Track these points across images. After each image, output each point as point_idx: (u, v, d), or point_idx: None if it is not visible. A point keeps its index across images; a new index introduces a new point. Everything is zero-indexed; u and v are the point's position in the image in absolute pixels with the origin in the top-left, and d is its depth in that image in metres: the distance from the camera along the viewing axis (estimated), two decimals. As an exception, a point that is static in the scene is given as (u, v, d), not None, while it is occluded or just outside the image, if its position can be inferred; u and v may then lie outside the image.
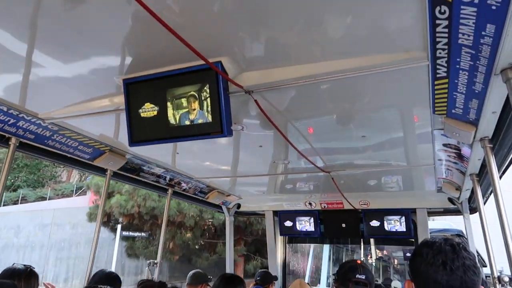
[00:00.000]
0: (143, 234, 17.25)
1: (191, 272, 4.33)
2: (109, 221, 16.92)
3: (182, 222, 16.09)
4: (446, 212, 4.65)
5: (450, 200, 4.29)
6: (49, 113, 2.51)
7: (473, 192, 3.39)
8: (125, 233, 17.22)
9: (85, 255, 20.84)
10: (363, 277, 2.33)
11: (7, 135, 2.55)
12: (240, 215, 6.01)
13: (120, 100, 2.12)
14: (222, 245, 16.91)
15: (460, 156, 2.75)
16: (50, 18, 1.56)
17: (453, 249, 1.36)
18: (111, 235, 18.17)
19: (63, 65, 1.94)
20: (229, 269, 5.42)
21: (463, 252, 1.36)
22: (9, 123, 2.46)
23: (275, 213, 5.43)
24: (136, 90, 2.00)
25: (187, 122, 1.92)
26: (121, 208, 15.78)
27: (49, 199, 26.47)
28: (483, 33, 1.28)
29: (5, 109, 2.35)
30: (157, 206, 15.68)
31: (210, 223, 17.41)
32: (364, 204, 4.78)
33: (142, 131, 2.05)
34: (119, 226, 17.14)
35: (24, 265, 2.69)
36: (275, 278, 4.88)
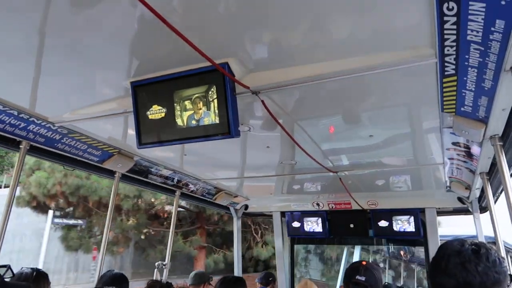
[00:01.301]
0: (79, 221, 14.37)
1: (193, 273, 4.54)
2: (44, 206, 13.83)
3: (120, 206, 13.16)
4: (455, 212, 4.60)
5: (460, 199, 4.25)
6: (59, 116, 2.54)
7: (483, 191, 3.36)
8: (57, 220, 14.31)
9: (31, 248, 18.54)
10: (363, 278, 2.33)
11: (18, 138, 2.58)
12: (248, 216, 6.01)
13: (128, 102, 2.13)
14: (174, 235, 15.17)
15: (469, 155, 2.73)
16: (59, 22, 1.57)
17: (475, 252, 1.36)
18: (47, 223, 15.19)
19: (72, 69, 1.96)
20: (237, 271, 5.42)
21: (483, 257, 1.35)
22: (19, 127, 2.49)
23: (283, 214, 5.42)
24: (144, 92, 2.02)
25: (194, 124, 1.93)
26: (42, 187, 12.53)
27: (4, 187, 23.70)
28: (492, 29, 1.27)
29: (15, 113, 2.38)
30: (83, 185, 12.59)
31: (155, 207, 14.64)
32: (372, 204, 4.75)
33: (150, 133, 2.06)
34: (50, 212, 13.96)
35: (31, 268, 2.73)
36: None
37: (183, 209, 15.89)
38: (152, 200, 14.22)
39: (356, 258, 10.69)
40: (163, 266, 4.02)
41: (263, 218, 6.05)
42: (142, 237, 15.17)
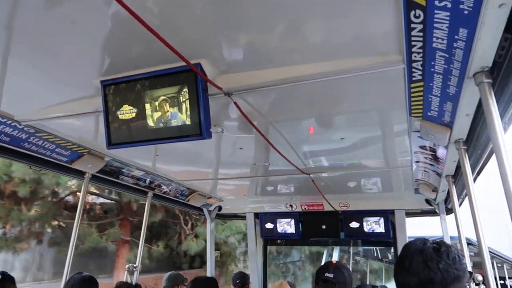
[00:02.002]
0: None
1: (166, 275, 4.48)
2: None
3: (15, 193, 10.68)
4: (423, 213, 4.75)
5: (427, 201, 4.39)
6: (26, 115, 2.45)
7: (449, 193, 3.48)
8: None
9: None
10: (331, 275, 2.43)
11: None
12: (222, 218, 6.00)
13: (98, 102, 2.08)
14: (86, 227, 12.66)
15: (436, 158, 2.82)
16: (27, 18, 1.52)
17: (436, 250, 1.42)
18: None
19: (40, 66, 1.90)
20: (210, 272, 5.40)
21: (444, 255, 1.40)
22: (-18, 125, 2.39)
23: (256, 215, 5.44)
24: (115, 92, 1.98)
25: (166, 124, 1.91)
26: None
27: None
28: (456, 37, 1.32)
29: None
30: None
31: (67, 195, 12.18)
32: (344, 206, 4.83)
33: (120, 134, 2.02)
34: None
35: None
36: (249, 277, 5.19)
37: (109, 200, 14.01)
38: (50, 182, 11.31)
39: (335, 259, 10.87)
40: (134, 268, 3.95)
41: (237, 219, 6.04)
42: (49, 230, 12.78)
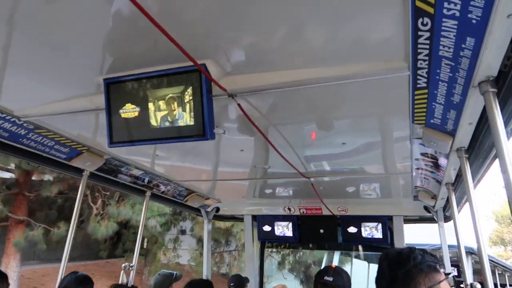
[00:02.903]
0: None
1: (152, 280, 4.22)
2: None
3: None
4: (421, 220, 4.74)
5: (426, 208, 4.38)
6: (25, 111, 2.44)
7: (447, 201, 3.47)
8: None
9: None
10: (331, 279, 2.45)
11: None
12: (219, 219, 5.98)
13: (100, 99, 2.07)
14: None
15: (436, 165, 2.81)
16: (29, 12, 1.51)
17: (398, 253, 1.54)
18: None
19: (42, 61, 1.89)
20: (205, 273, 5.38)
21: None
22: (-19, 120, 2.37)
23: (254, 217, 5.42)
24: (117, 90, 1.97)
25: (169, 124, 1.90)
26: None
27: None
28: (462, 46, 1.31)
29: None
30: None
31: None
32: (343, 210, 4.82)
33: (122, 132, 2.01)
34: None
35: None
36: (247, 280, 5.05)
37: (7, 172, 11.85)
38: None
39: (335, 263, 10.86)
40: (130, 268, 3.92)
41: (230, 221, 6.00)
42: None
